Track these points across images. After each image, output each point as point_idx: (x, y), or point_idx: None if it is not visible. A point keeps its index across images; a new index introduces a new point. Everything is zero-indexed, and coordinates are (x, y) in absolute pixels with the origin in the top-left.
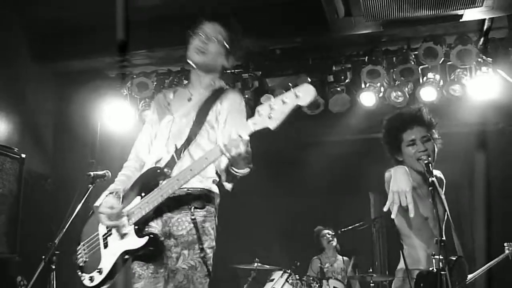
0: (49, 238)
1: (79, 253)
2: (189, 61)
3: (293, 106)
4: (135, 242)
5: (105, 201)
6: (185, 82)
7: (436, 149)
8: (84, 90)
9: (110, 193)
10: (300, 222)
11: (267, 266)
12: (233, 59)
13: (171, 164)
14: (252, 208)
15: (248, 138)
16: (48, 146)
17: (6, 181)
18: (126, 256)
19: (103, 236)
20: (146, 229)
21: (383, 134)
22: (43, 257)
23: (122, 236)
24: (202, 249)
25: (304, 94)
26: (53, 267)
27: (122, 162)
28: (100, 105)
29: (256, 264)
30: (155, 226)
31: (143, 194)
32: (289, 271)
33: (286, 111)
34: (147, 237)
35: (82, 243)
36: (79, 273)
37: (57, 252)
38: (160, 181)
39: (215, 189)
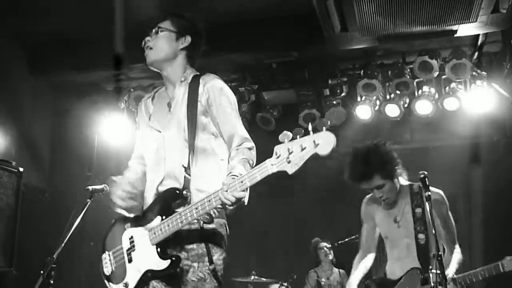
0: (46, 252)
1: (105, 262)
2: (149, 67)
3: (312, 154)
4: (159, 264)
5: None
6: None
7: (395, 182)
8: (81, 104)
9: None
10: (296, 234)
11: (264, 279)
12: (187, 38)
13: (187, 184)
14: (248, 221)
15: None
16: (46, 160)
17: (4, 195)
18: (149, 274)
19: (127, 250)
20: (168, 251)
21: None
22: (42, 272)
23: (145, 253)
24: (211, 262)
25: (324, 142)
26: (51, 282)
27: (119, 175)
28: (98, 118)
29: (252, 277)
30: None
31: (164, 217)
32: (285, 284)
33: (305, 157)
34: (169, 260)
35: (107, 252)
36: (106, 281)
37: (54, 265)
38: (180, 206)
39: None
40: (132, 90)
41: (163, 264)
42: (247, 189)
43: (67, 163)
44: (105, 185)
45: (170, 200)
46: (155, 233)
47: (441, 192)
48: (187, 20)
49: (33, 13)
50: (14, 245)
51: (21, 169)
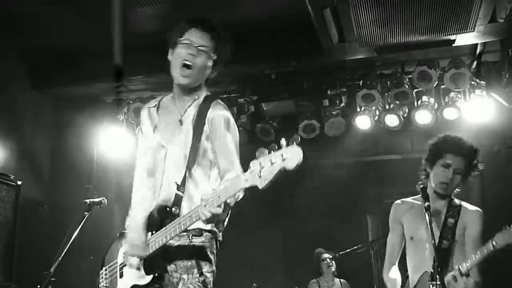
0: (45, 266)
1: (101, 277)
2: (175, 80)
3: (280, 168)
4: (143, 278)
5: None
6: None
7: (459, 184)
8: (80, 116)
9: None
10: (297, 245)
11: None
12: (218, 69)
13: (177, 201)
14: (250, 232)
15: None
16: (45, 173)
17: (2, 208)
18: None
19: (120, 265)
20: (154, 266)
21: (429, 147)
22: (38, 286)
23: (134, 269)
24: (201, 274)
25: (291, 157)
26: None
27: (118, 187)
28: (97, 130)
29: None
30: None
31: (154, 232)
32: None
33: (274, 172)
34: (151, 276)
35: (105, 267)
36: None
37: (53, 279)
38: (167, 221)
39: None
40: (131, 102)
41: (146, 279)
42: (226, 206)
43: (67, 175)
44: (103, 198)
45: (160, 217)
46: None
47: (480, 211)
48: (227, 50)
49: (34, 28)
50: (13, 259)
51: (19, 183)
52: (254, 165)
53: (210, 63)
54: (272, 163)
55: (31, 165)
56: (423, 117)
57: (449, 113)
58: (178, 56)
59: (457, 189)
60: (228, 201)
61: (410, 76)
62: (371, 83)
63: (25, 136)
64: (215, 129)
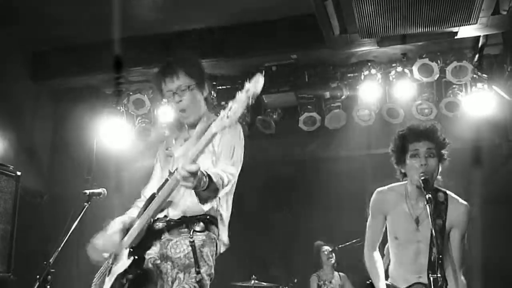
0: (45, 256)
1: (94, 282)
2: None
3: (247, 97)
4: (124, 264)
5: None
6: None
7: (440, 168)
8: (80, 107)
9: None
10: (297, 238)
11: (264, 284)
12: (206, 87)
13: (163, 186)
14: (249, 225)
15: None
16: (44, 163)
17: (2, 199)
18: (123, 281)
19: (111, 264)
20: (140, 253)
21: (392, 143)
22: (38, 276)
23: (120, 261)
24: (198, 273)
25: (253, 84)
26: (48, 286)
27: (118, 179)
28: (97, 122)
29: (253, 281)
30: (153, 249)
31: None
32: None
33: (241, 106)
34: (132, 258)
35: (97, 273)
36: None
37: (53, 270)
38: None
39: (220, 214)
40: (131, 93)
41: (127, 263)
42: (210, 181)
43: (66, 166)
44: (103, 188)
45: (147, 204)
46: (130, 235)
47: (467, 206)
48: (198, 65)
49: (33, 19)
50: (12, 250)
51: (18, 173)
52: (222, 112)
53: (199, 95)
54: (237, 101)
55: (30, 156)
56: (424, 110)
57: (450, 107)
58: (171, 103)
59: (439, 177)
60: (214, 180)
61: (411, 68)
62: (372, 75)
63: (24, 127)
64: (225, 134)
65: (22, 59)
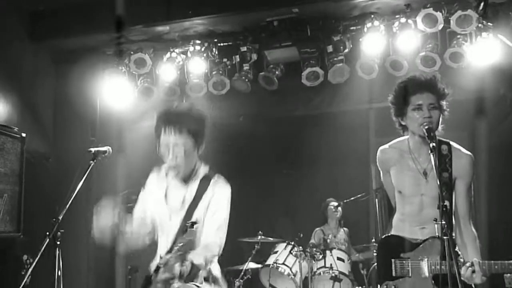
0: (52, 216)
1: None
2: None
3: None
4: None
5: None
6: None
7: (440, 119)
8: (82, 68)
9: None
10: (302, 194)
11: (271, 239)
12: (202, 145)
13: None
14: (254, 181)
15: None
16: (48, 125)
17: (8, 160)
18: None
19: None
20: None
21: (392, 95)
22: (47, 233)
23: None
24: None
25: None
26: (58, 243)
27: (121, 139)
28: (99, 82)
29: (259, 237)
30: None
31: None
32: (292, 243)
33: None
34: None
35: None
36: None
37: (62, 230)
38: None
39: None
40: (132, 53)
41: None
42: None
43: (70, 127)
44: (108, 147)
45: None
46: None
47: (472, 156)
48: (202, 122)
49: None
50: (21, 211)
51: (23, 135)
52: None
53: (195, 152)
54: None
55: (35, 118)
56: (428, 61)
57: (454, 57)
58: (167, 164)
59: (440, 127)
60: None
61: (415, 19)
62: (375, 27)
63: (27, 89)
64: (213, 203)
65: (22, 20)
